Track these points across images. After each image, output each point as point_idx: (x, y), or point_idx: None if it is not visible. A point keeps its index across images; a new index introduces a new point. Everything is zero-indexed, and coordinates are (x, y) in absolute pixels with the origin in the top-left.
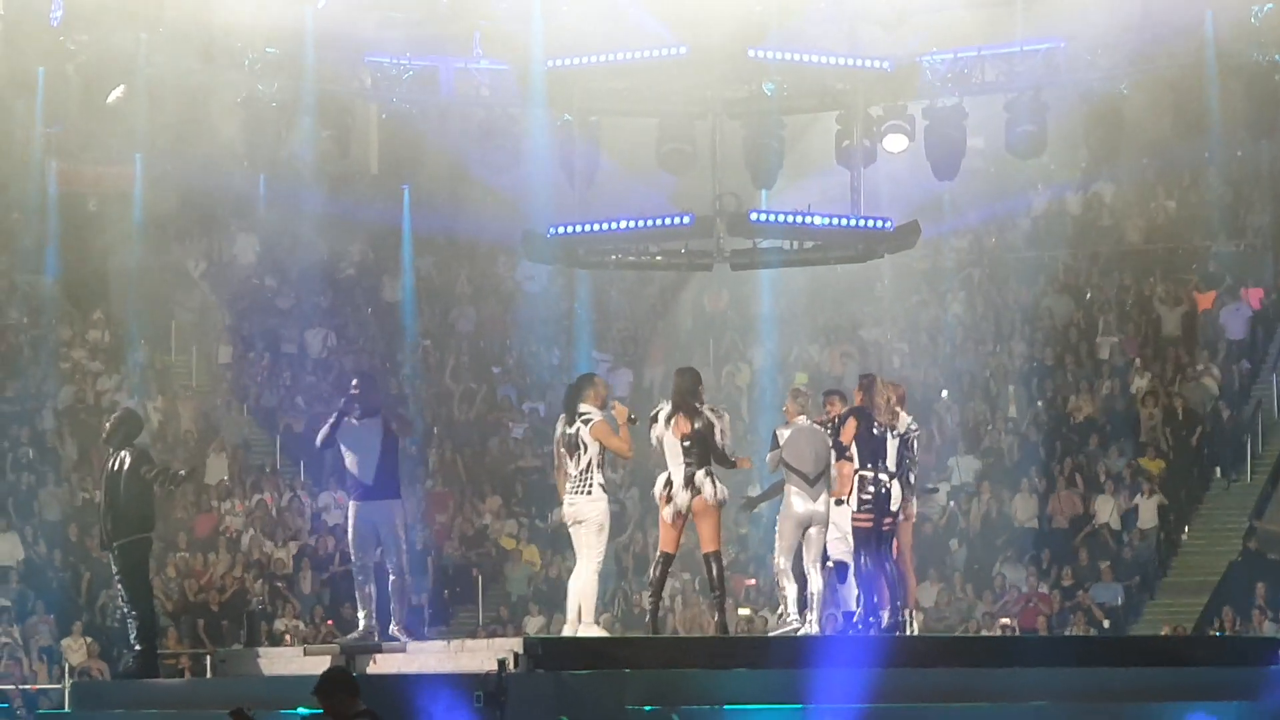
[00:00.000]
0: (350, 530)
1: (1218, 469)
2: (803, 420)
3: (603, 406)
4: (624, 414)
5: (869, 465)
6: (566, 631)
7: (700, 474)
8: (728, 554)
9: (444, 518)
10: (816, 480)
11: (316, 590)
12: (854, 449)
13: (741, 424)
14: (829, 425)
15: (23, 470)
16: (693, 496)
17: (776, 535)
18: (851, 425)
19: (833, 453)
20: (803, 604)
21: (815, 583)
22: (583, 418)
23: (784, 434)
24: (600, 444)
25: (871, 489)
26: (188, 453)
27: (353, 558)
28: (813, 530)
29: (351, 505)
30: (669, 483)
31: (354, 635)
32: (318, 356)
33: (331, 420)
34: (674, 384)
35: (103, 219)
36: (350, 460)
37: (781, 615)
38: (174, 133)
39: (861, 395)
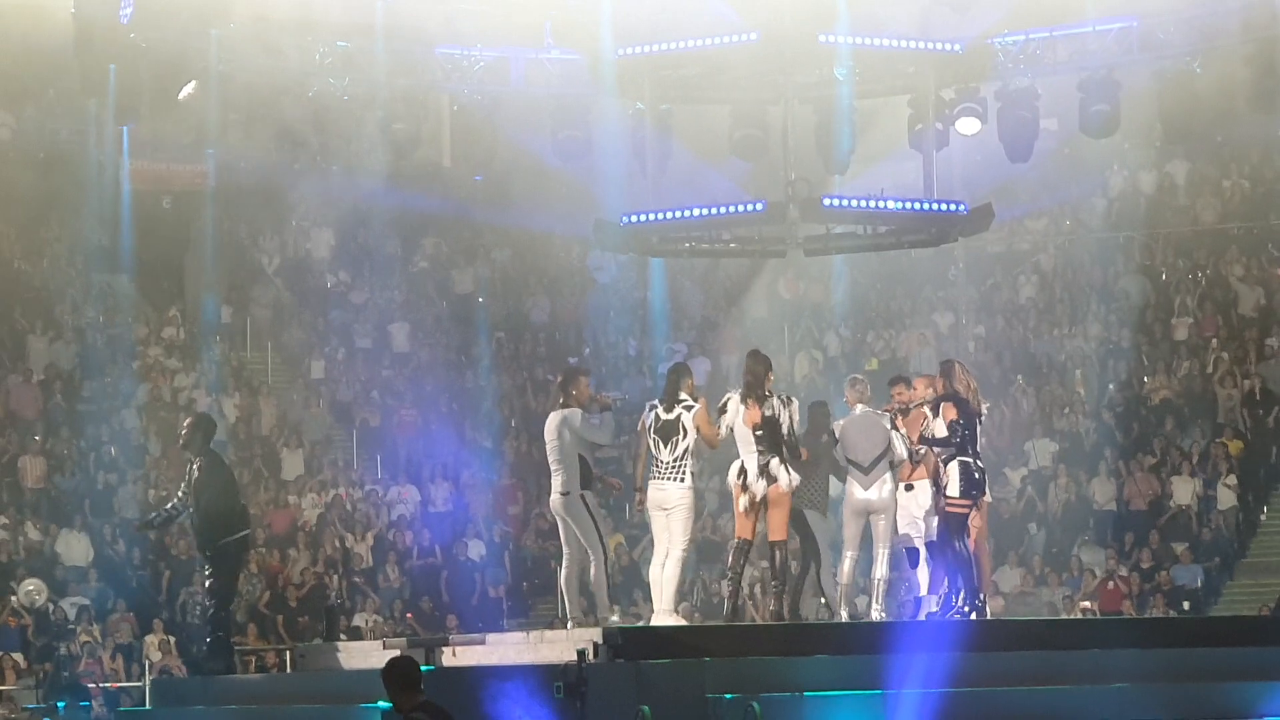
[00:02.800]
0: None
1: None
2: (860, 409)
3: (694, 397)
4: (705, 407)
5: (968, 451)
6: (656, 620)
7: (775, 462)
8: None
9: (516, 509)
10: (872, 468)
11: (396, 584)
12: (951, 429)
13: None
14: (898, 412)
15: (104, 469)
16: (768, 485)
17: (840, 526)
18: (951, 410)
19: (897, 439)
20: (936, 584)
21: (880, 569)
22: (684, 404)
23: (839, 426)
24: (698, 431)
25: (975, 475)
26: (264, 448)
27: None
28: (875, 517)
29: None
30: (743, 471)
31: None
32: (401, 350)
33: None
34: (746, 367)
35: (176, 216)
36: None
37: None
38: (246, 128)
39: (944, 382)
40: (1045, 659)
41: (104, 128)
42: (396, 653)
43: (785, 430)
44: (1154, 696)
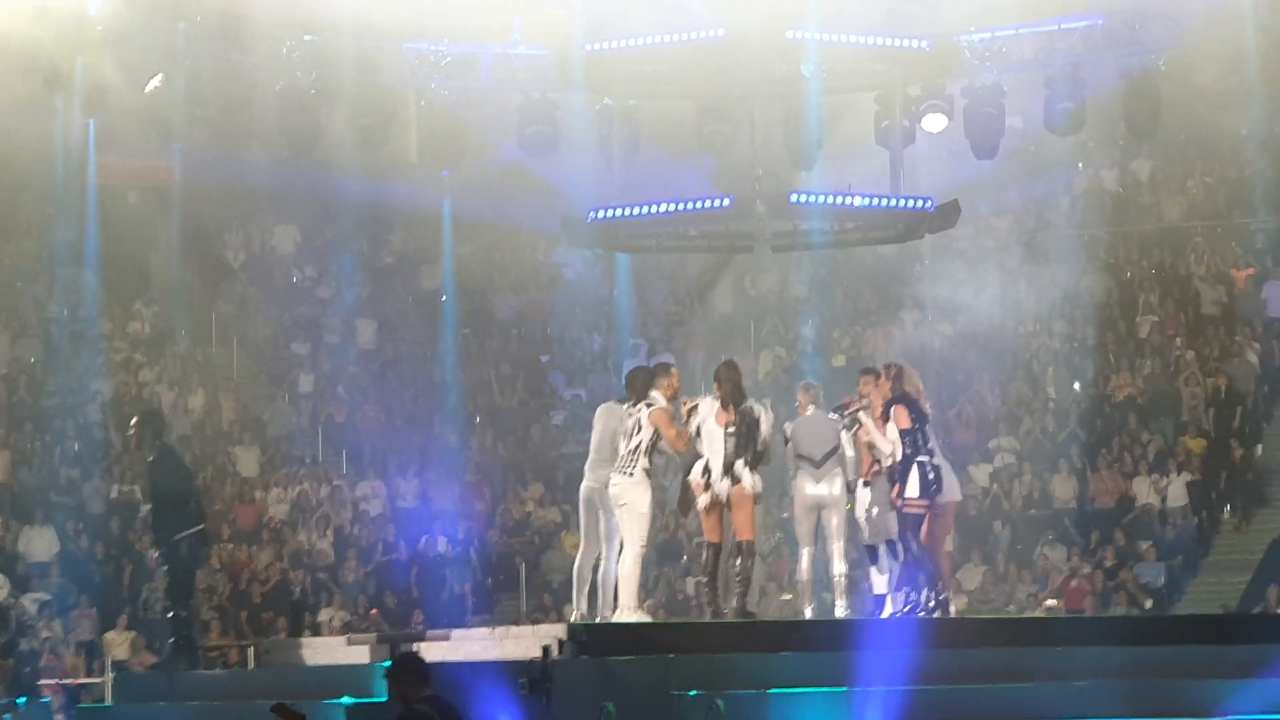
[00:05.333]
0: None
1: (1259, 447)
2: (812, 411)
3: (673, 398)
4: (687, 411)
5: (924, 451)
6: (620, 617)
7: (739, 463)
8: (770, 541)
9: (483, 506)
10: (823, 462)
11: (360, 580)
12: (902, 436)
13: (784, 409)
14: (845, 410)
15: (67, 464)
16: (732, 485)
17: (794, 523)
18: (904, 413)
19: (845, 436)
20: (899, 582)
21: (839, 566)
22: (647, 402)
23: (790, 426)
24: (655, 430)
25: (930, 475)
26: (228, 443)
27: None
28: (826, 513)
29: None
30: (707, 470)
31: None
32: (367, 346)
33: None
34: (723, 376)
35: (142, 211)
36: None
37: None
38: (212, 123)
39: (893, 384)
40: (1010, 656)
41: (70, 122)
42: (366, 649)
43: (763, 434)
44: (1118, 694)
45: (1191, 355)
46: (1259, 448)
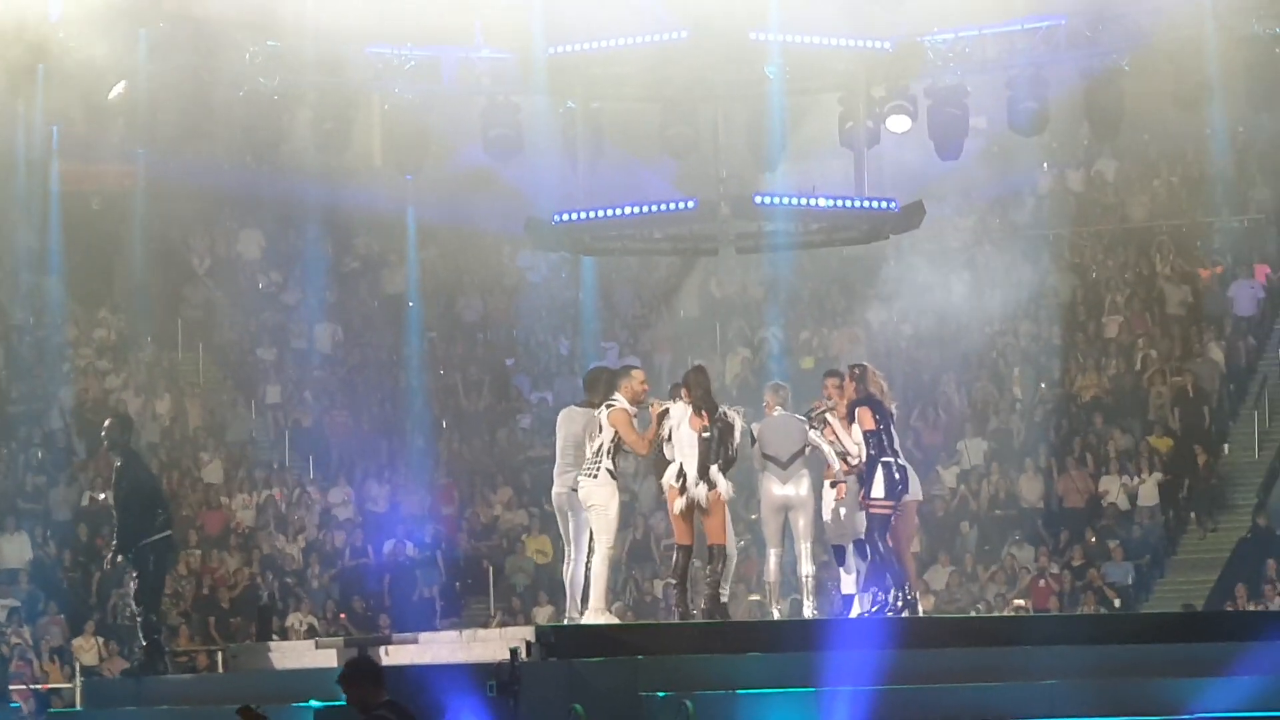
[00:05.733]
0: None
1: (1226, 446)
2: (779, 412)
3: (635, 401)
4: (658, 414)
5: (889, 452)
6: (588, 619)
7: (714, 468)
8: (738, 542)
9: (450, 509)
10: (789, 464)
11: (326, 585)
12: (866, 438)
13: (751, 411)
14: (813, 412)
15: (32, 471)
16: (708, 490)
17: (761, 524)
18: (868, 415)
19: (812, 435)
20: (866, 583)
21: (806, 567)
22: (607, 403)
23: (757, 427)
24: (616, 432)
25: (896, 475)
26: (195, 449)
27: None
28: (794, 514)
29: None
30: (681, 474)
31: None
32: (327, 352)
33: None
34: (693, 382)
35: (106, 217)
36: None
37: (793, 601)
38: (176, 128)
39: (857, 385)
40: (977, 656)
41: (33, 128)
42: (335, 653)
43: (736, 439)
44: (1085, 693)
45: (1156, 355)
46: (1225, 447)
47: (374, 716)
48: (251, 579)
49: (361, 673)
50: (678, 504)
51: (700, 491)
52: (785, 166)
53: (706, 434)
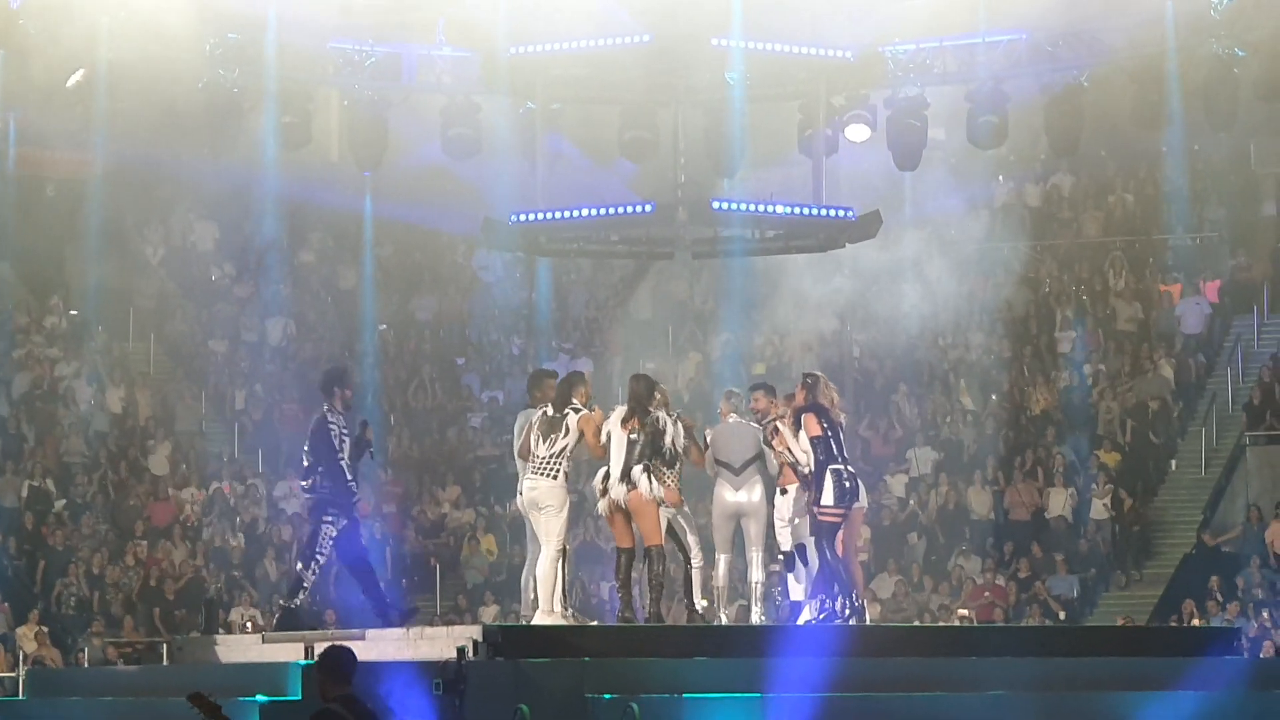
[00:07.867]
0: None
1: (1173, 462)
2: (734, 419)
3: (588, 405)
4: (600, 418)
5: (838, 459)
6: (537, 620)
7: (637, 469)
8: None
9: (397, 506)
10: (742, 470)
11: (274, 579)
12: (814, 445)
13: (701, 415)
14: (762, 419)
15: None
16: (628, 491)
17: (712, 530)
18: (813, 421)
19: (765, 444)
20: (819, 592)
21: (756, 574)
22: (573, 407)
23: (710, 433)
24: (581, 435)
25: (846, 483)
26: (144, 440)
27: None
28: (746, 520)
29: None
30: (606, 476)
31: None
32: (277, 345)
33: None
34: (630, 389)
35: (61, 204)
36: None
37: (742, 607)
38: (133, 118)
39: (806, 393)
40: (923, 665)
41: None
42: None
43: (668, 443)
44: (1029, 704)
45: (1106, 369)
46: (1173, 463)
47: (325, 708)
48: (197, 571)
49: (327, 664)
50: (600, 505)
51: (620, 491)
52: (743, 173)
53: (634, 435)
